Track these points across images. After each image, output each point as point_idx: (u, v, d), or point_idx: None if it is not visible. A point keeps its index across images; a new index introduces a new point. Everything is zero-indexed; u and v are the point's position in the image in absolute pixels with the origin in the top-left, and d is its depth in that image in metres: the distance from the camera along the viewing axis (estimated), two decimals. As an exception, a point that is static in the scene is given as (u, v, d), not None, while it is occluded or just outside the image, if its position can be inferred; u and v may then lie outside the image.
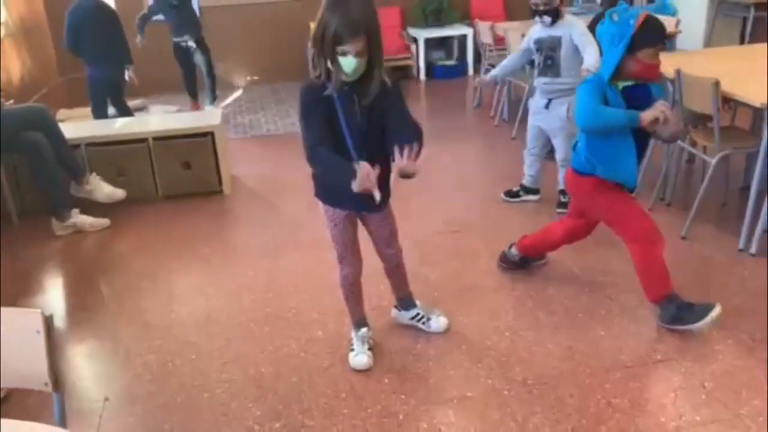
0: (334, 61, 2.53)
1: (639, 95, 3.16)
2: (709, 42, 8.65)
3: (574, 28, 4.53)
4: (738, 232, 4.15)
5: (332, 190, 2.90)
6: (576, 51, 4.50)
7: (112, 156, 5.35)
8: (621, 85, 3.16)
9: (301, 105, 2.66)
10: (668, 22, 6.50)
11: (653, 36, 3.08)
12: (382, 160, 2.56)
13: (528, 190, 5.08)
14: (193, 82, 7.84)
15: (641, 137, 3.22)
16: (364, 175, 2.40)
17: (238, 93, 8.80)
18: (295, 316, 3.71)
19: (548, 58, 4.60)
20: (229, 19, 9.14)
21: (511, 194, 5.10)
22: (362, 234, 3.15)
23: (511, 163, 5.74)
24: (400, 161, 2.40)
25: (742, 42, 8.42)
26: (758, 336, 3.26)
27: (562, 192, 4.82)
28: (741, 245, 4.10)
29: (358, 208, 3.00)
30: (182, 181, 5.47)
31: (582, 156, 3.31)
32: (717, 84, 3.95)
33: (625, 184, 3.29)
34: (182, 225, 5.01)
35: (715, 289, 3.68)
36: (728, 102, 4.26)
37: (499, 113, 7.16)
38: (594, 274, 3.93)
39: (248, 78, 9.33)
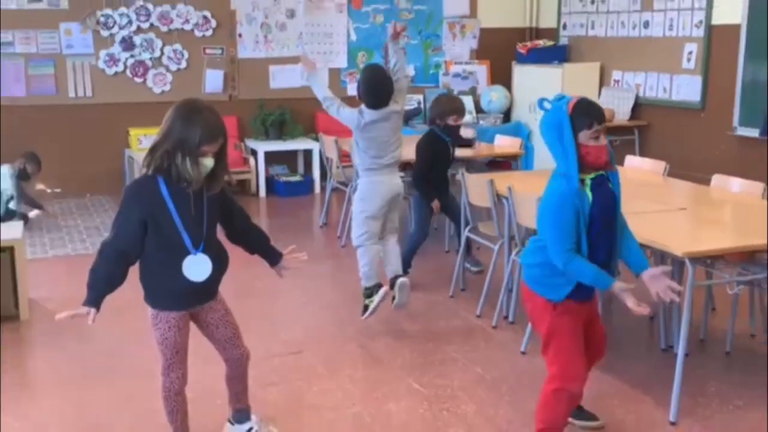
0: (196, 162, 2.81)
1: (604, 189, 3.01)
2: None
3: None
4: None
5: (161, 291, 2.96)
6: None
7: None
8: (588, 178, 2.98)
9: (123, 199, 2.89)
10: (513, 143, 6.60)
11: (588, 116, 2.93)
12: (218, 256, 2.96)
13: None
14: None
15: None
16: None
17: (35, 212, 7.72)
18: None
19: None
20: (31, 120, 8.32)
21: None
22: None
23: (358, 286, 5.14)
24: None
25: None
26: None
27: None
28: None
29: (189, 305, 3.03)
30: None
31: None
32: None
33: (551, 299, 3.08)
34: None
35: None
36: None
37: (346, 233, 6.46)
38: (434, 389, 3.91)
39: (48, 190, 8.33)
